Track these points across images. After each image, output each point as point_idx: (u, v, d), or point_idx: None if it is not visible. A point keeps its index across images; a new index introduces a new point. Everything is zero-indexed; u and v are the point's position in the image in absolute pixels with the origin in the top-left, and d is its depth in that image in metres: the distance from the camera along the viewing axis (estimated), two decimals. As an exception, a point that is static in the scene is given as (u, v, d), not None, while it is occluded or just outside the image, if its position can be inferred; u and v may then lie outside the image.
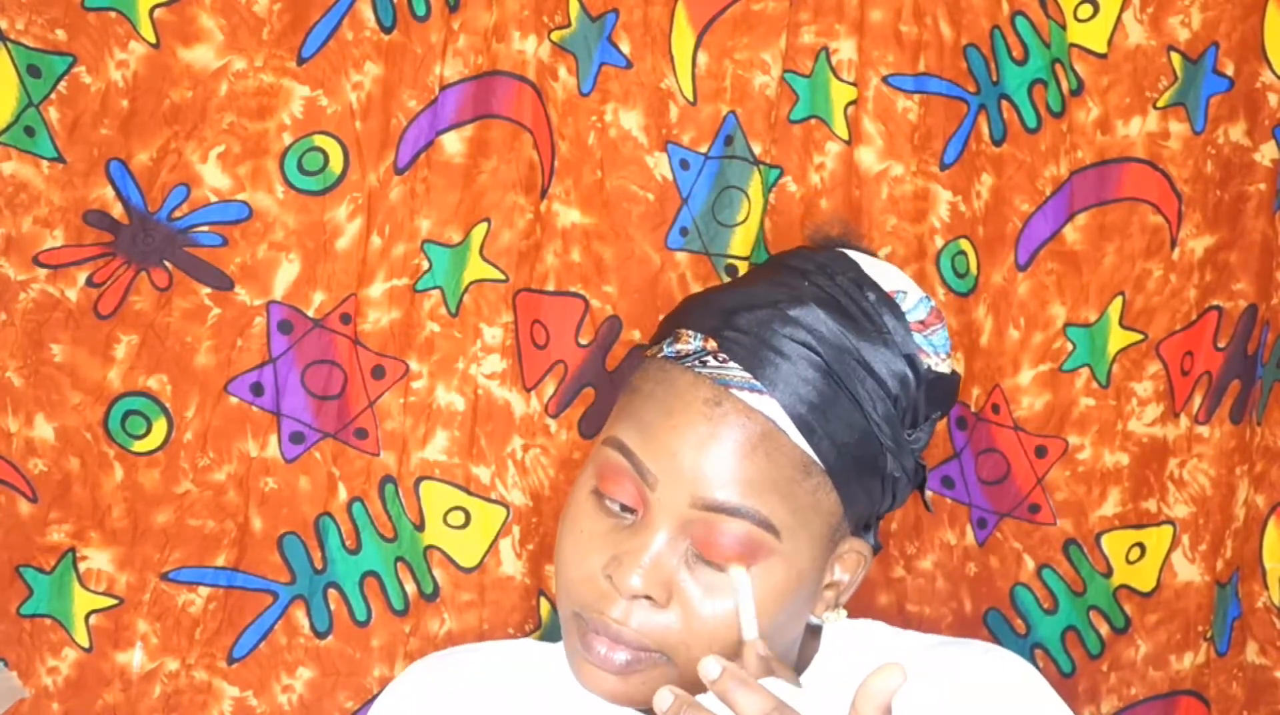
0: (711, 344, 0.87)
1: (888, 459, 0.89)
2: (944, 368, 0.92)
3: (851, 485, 0.88)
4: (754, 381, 0.85)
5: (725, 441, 0.84)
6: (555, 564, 0.91)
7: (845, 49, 1.25)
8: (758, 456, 0.84)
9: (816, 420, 0.85)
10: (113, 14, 1.17)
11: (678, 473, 0.84)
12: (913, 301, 0.91)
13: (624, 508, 0.87)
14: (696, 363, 0.87)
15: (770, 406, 0.85)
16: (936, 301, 1.26)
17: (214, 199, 1.21)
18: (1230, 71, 1.28)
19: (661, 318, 0.96)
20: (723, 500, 0.84)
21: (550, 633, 1.27)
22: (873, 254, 0.98)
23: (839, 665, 0.96)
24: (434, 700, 1.00)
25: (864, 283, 0.90)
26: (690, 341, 0.88)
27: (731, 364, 0.86)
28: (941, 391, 0.93)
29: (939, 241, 1.27)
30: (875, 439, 0.88)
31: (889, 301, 0.90)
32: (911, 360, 0.89)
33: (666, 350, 0.89)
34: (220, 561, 1.23)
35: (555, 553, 0.91)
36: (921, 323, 0.91)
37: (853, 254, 0.94)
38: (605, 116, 1.25)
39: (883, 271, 0.93)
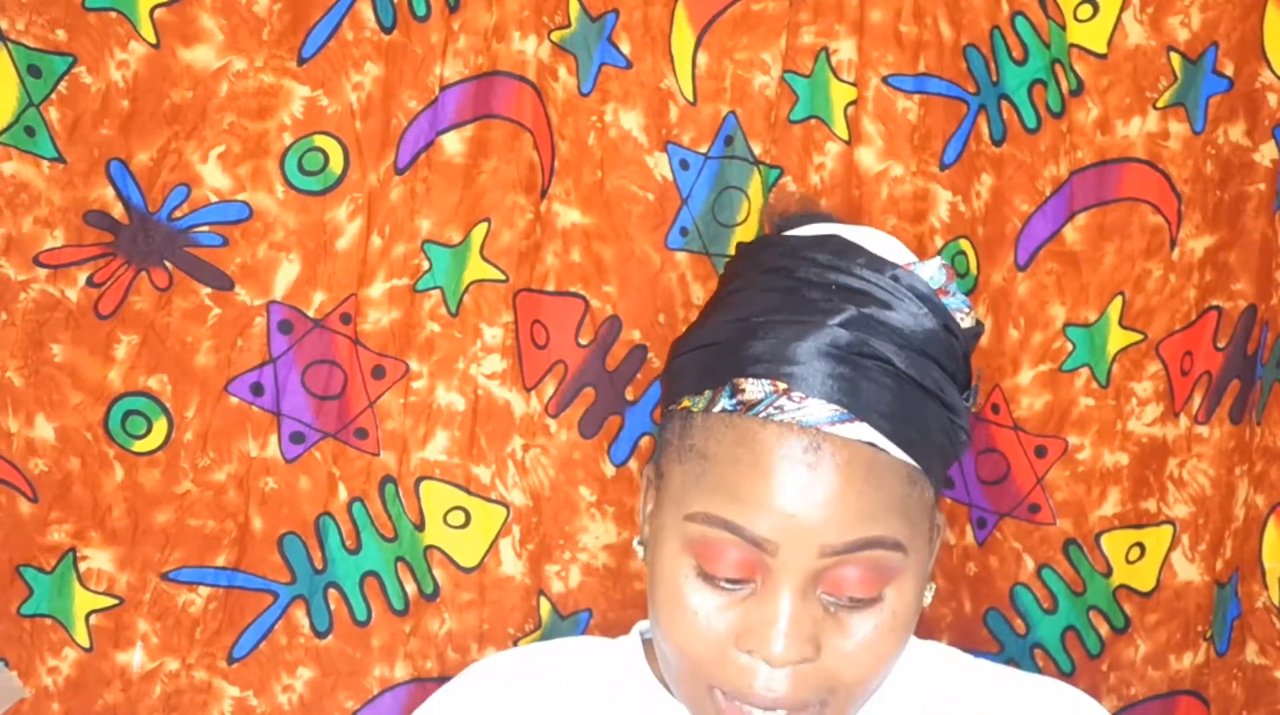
0: (781, 386, 0.81)
1: (955, 428, 0.86)
2: (970, 322, 0.89)
3: (938, 469, 0.85)
4: (840, 412, 0.80)
5: (836, 485, 0.79)
6: (668, 648, 0.85)
7: (845, 49, 1.25)
8: (870, 486, 0.80)
9: (908, 429, 0.81)
10: (113, 14, 1.18)
11: (800, 533, 0.79)
12: (930, 270, 0.86)
13: (732, 580, 0.82)
14: (773, 411, 0.80)
15: (864, 431, 0.80)
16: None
17: (214, 199, 1.21)
18: (1230, 72, 1.28)
19: (673, 362, 0.89)
20: (850, 541, 0.80)
21: (550, 633, 1.27)
22: (837, 219, 0.94)
23: (915, 686, 0.93)
24: (498, 697, 0.98)
25: (881, 264, 0.85)
26: (754, 388, 0.82)
27: (810, 401, 0.80)
28: (974, 346, 0.90)
29: (939, 241, 1.27)
30: (946, 417, 0.84)
31: (911, 275, 0.85)
32: (950, 329, 0.85)
33: (727, 404, 0.83)
34: (220, 561, 1.23)
35: (663, 637, 0.85)
36: (942, 288, 0.87)
37: (842, 232, 0.89)
38: (605, 116, 1.25)
39: (883, 245, 0.89)
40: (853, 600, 0.82)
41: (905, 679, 0.94)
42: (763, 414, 0.81)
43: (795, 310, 0.83)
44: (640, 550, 0.92)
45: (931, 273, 0.86)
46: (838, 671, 0.82)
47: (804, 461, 0.79)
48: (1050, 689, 0.96)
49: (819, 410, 0.80)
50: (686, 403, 0.86)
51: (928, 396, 0.83)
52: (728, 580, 0.82)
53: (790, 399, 0.81)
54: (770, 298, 0.85)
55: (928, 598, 0.90)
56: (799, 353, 0.81)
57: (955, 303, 0.87)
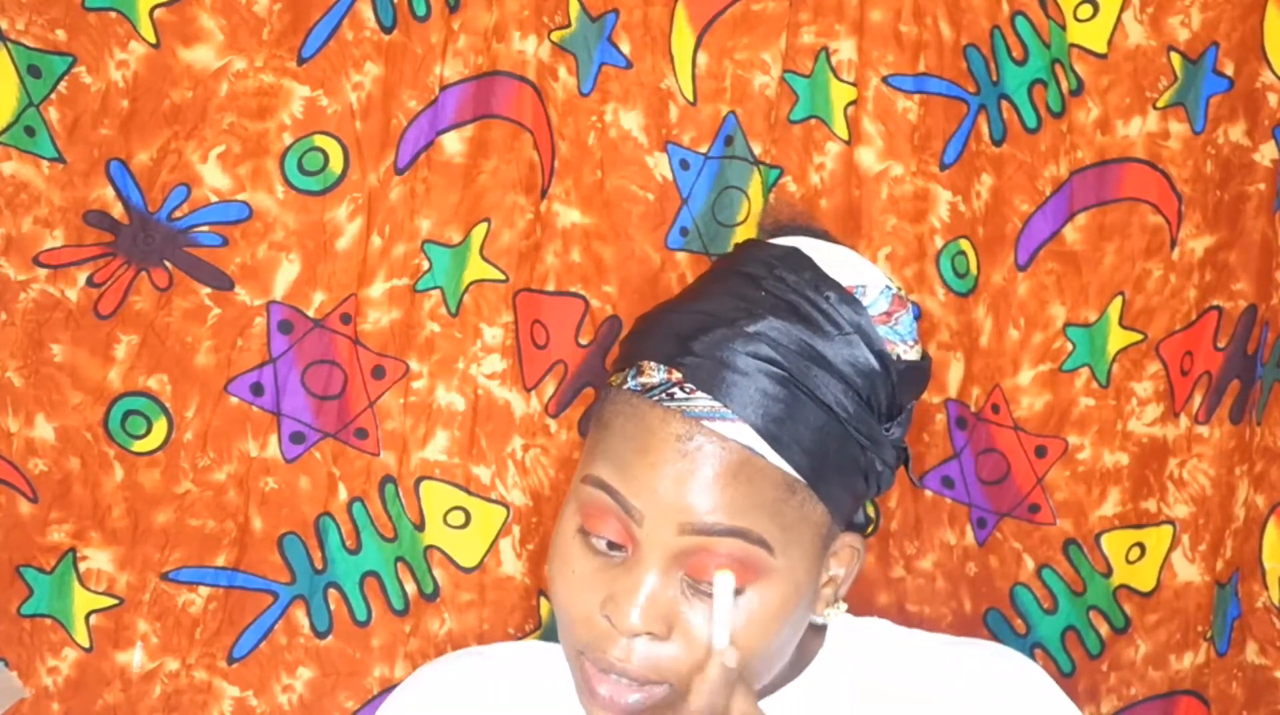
0: (676, 375, 0.85)
1: (867, 456, 0.89)
2: (913, 355, 0.91)
3: (835, 490, 0.87)
4: (723, 410, 0.84)
5: (704, 474, 0.84)
6: (553, 605, 0.90)
7: (845, 49, 1.25)
8: (740, 483, 0.84)
9: (790, 437, 0.85)
10: (113, 14, 1.17)
11: (662, 508, 0.84)
12: (874, 294, 0.89)
13: (611, 545, 0.86)
14: (664, 396, 0.85)
15: (743, 432, 0.84)
16: (935, 300, 1.27)
17: (214, 199, 1.21)
18: (1230, 71, 1.28)
19: (624, 337, 0.94)
20: (711, 523, 0.83)
21: (550, 633, 1.27)
22: (830, 238, 0.96)
23: (842, 663, 0.95)
24: (443, 704, 0.99)
25: (821, 282, 0.88)
26: (653, 373, 0.87)
27: (699, 394, 0.85)
28: (914, 378, 0.92)
29: (939, 241, 1.27)
30: (852, 441, 0.87)
31: (849, 298, 0.88)
32: (880, 355, 0.88)
33: (631, 383, 0.88)
34: (220, 561, 1.23)
35: (551, 593, 0.90)
36: (886, 314, 0.89)
37: (807, 247, 0.92)
38: (605, 116, 1.25)
39: (840, 264, 0.91)
40: (710, 591, 0.85)
41: (838, 657, 0.95)
42: (655, 398, 0.85)
43: (726, 312, 0.87)
44: None
45: (873, 299, 0.89)
46: (685, 658, 0.85)
47: (677, 448, 0.84)
48: (985, 651, 0.97)
49: (701, 404, 0.85)
50: (613, 378, 0.91)
51: (832, 419, 0.86)
52: (606, 544, 0.86)
53: (682, 389, 0.85)
54: (717, 297, 0.89)
55: (829, 614, 0.92)
56: (701, 346, 0.86)
57: (898, 333, 0.90)
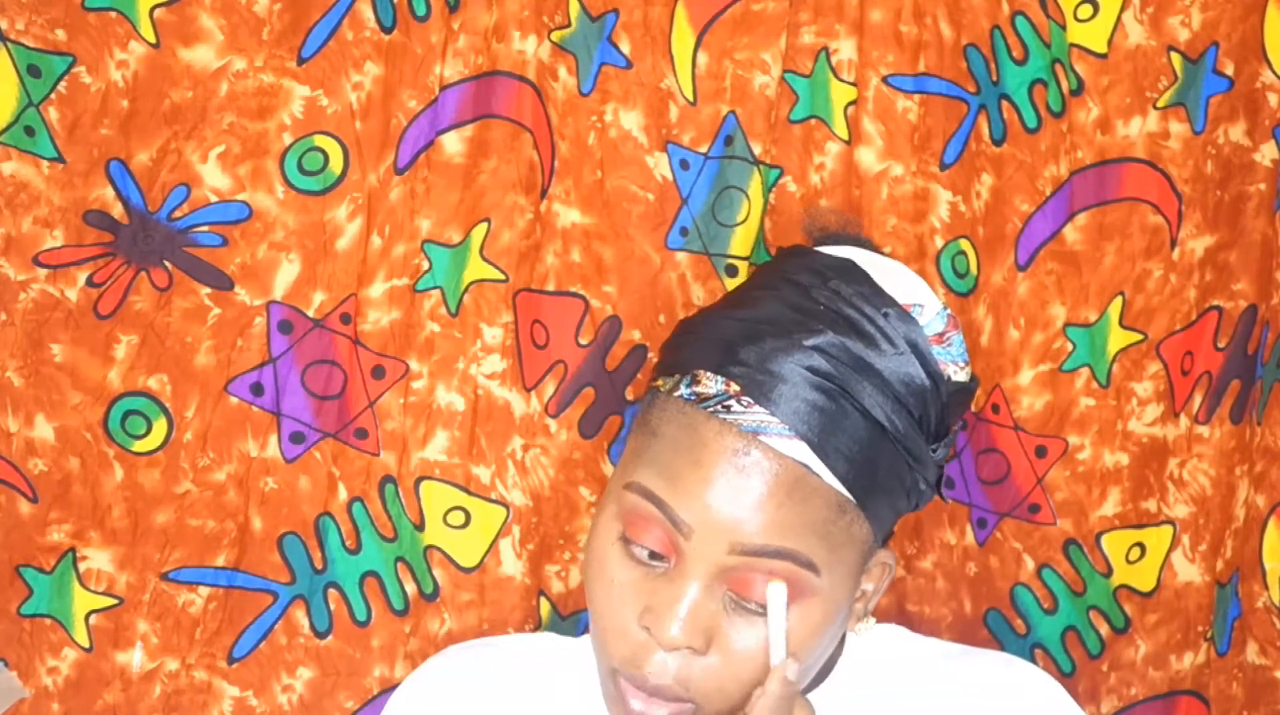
0: (733, 387, 0.83)
1: (912, 475, 0.87)
2: (963, 377, 0.89)
3: (881, 509, 0.86)
4: (780, 425, 0.82)
5: (758, 491, 0.82)
6: (590, 615, 0.87)
7: (845, 49, 1.25)
8: (793, 502, 0.82)
9: (844, 455, 0.83)
10: (113, 14, 1.17)
11: (713, 524, 0.82)
12: (930, 314, 0.88)
13: (653, 555, 0.84)
14: (719, 407, 0.83)
15: (799, 449, 0.82)
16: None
17: (214, 199, 1.21)
18: (1230, 71, 1.28)
19: (670, 339, 0.92)
20: (761, 544, 0.82)
21: (554, 629, 1.26)
22: (878, 250, 0.96)
23: (862, 672, 0.95)
24: (452, 695, 0.99)
25: (878, 298, 0.86)
26: (710, 384, 0.84)
27: (756, 407, 0.82)
28: (962, 399, 0.90)
29: (939, 241, 1.27)
30: (901, 459, 0.86)
31: (906, 316, 0.86)
32: (934, 375, 0.86)
33: (684, 392, 0.85)
34: (220, 561, 1.23)
35: (588, 603, 0.87)
36: (940, 335, 0.88)
37: (862, 259, 0.90)
38: (605, 116, 1.25)
39: (896, 280, 0.90)
40: (759, 606, 0.83)
41: (858, 666, 0.95)
42: (710, 409, 0.83)
43: (782, 322, 0.85)
44: None
45: (929, 319, 0.88)
46: (720, 674, 0.84)
47: (734, 462, 0.82)
48: (999, 662, 0.97)
49: (758, 418, 0.83)
50: (660, 382, 0.89)
51: (883, 437, 0.84)
52: (648, 553, 0.84)
53: (739, 402, 0.83)
54: (769, 305, 0.87)
55: (859, 628, 0.92)
56: (759, 359, 0.84)
57: (950, 354, 0.89)
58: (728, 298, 0.94)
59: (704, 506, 0.82)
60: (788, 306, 0.86)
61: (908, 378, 0.85)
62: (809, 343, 0.83)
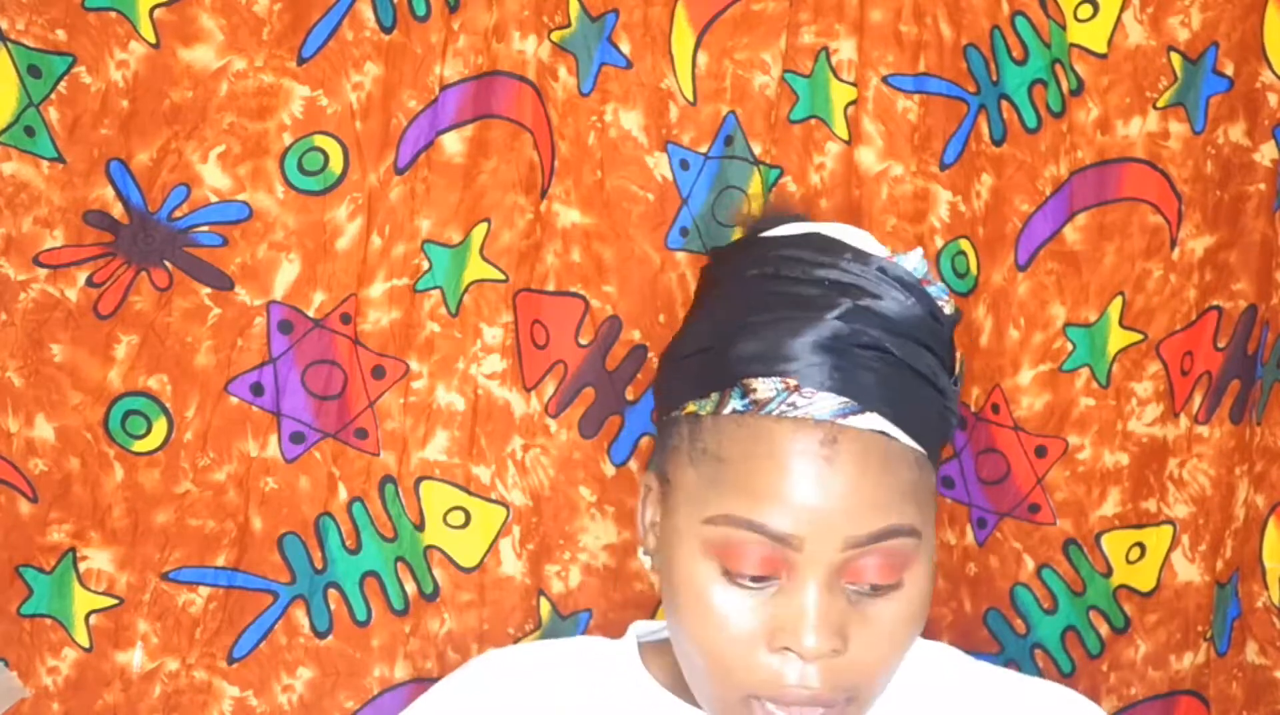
0: (790, 382, 0.82)
1: (947, 411, 0.88)
2: (950, 309, 0.90)
3: (938, 453, 0.87)
4: (850, 403, 0.81)
5: (853, 477, 0.81)
6: (696, 654, 0.85)
7: (845, 49, 1.25)
8: (885, 476, 0.81)
9: (912, 415, 0.83)
10: (113, 14, 1.17)
11: (822, 527, 0.80)
12: (913, 261, 0.88)
13: (756, 578, 0.82)
14: (785, 407, 0.81)
15: (874, 421, 0.81)
16: None
17: (214, 199, 1.21)
18: (1230, 71, 1.28)
19: (671, 367, 0.90)
20: (871, 531, 0.81)
21: (550, 633, 1.27)
22: (813, 219, 0.95)
23: (917, 693, 0.94)
24: (493, 694, 0.98)
25: (867, 258, 0.86)
26: (764, 388, 0.82)
27: (819, 395, 0.81)
28: (955, 331, 0.91)
29: (939, 241, 1.27)
30: (940, 401, 0.86)
31: (898, 267, 0.86)
32: (935, 316, 0.87)
33: (738, 405, 0.83)
34: (220, 561, 1.23)
35: (690, 642, 0.85)
36: (926, 278, 0.88)
37: (822, 229, 0.90)
38: (605, 116, 1.25)
39: (857, 238, 0.90)
40: (874, 588, 0.83)
41: (909, 678, 0.94)
42: (775, 411, 0.82)
43: (790, 307, 0.84)
44: (648, 560, 0.92)
45: (914, 263, 0.88)
46: (863, 662, 0.83)
47: (820, 455, 0.81)
48: (1054, 693, 0.96)
49: (829, 403, 0.81)
50: (692, 407, 0.86)
51: (922, 381, 0.84)
52: (752, 578, 0.82)
53: (801, 395, 0.82)
54: (761, 298, 0.86)
55: None
56: (801, 348, 0.82)
57: (936, 291, 0.89)
58: (696, 313, 0.92)
59: (808, 513, 0.80)
60: (775, 292, 0.85)
61: (920, 322, 0.85)
62: (834, 316, 0.83)
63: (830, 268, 0.85)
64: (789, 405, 0.82)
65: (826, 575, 0.81)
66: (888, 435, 0.82)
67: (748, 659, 0.83)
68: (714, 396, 0.85)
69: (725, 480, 0.83)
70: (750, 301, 0.87)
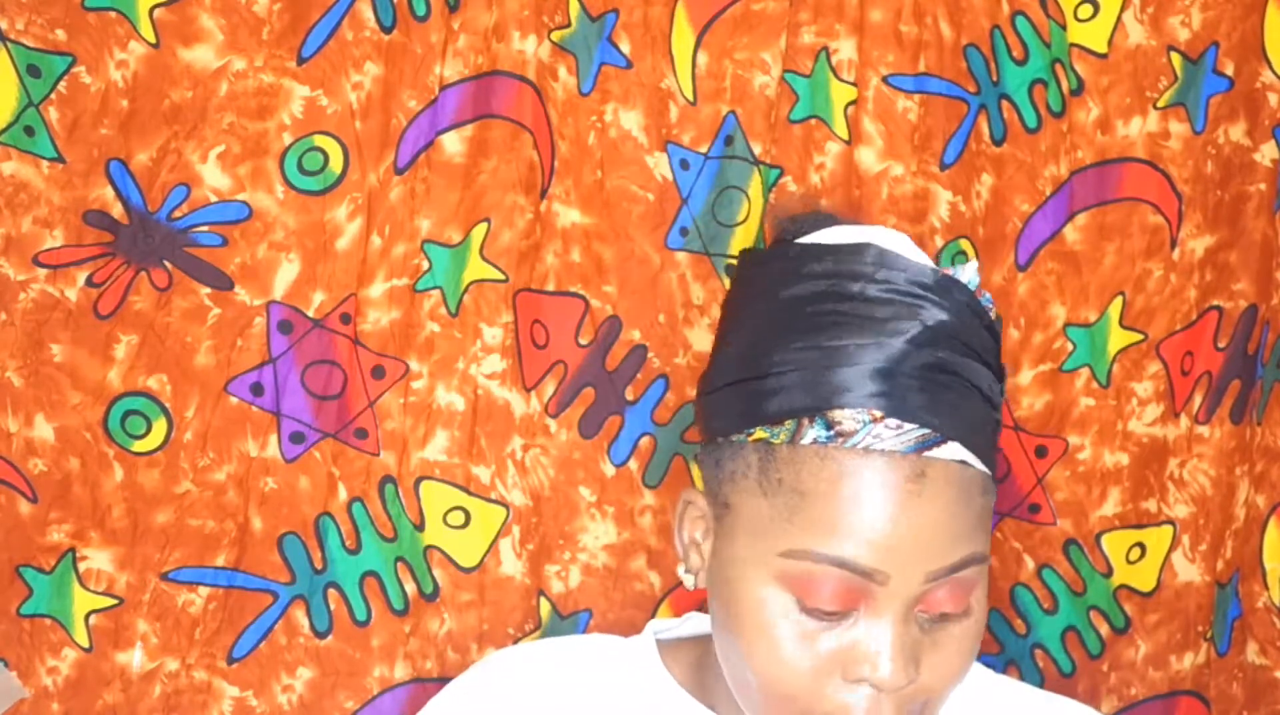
0: (877, 413, 0.79)
1: (999, 423, 0.86)
2: (995, 315, 0.87)
3: (995, 470, 0.86)
4: (933, 434, 0.80)
5: (940, 511, 0.79)
6: (756, 682, 0.84)
7: (845, 49, 1.25)
8: (963, 505, 0.81)
9: (982, 439, 0.82)
10: (113, 14, 1.17)
11: (906, 562, 0.79)
12: (969, 273, 0.85)
13: (834, 612, 0.81)
14: (871, 440, 0.79)
15: (955, 450, 0.80)
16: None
17: (214, 199, 1.21)
18: (1230, 71, 1.28)
19: (726, 387, 0.86)
20: (952, 563, 0.80)
21: (550, 633, 1.27)
22: (847, 220, 0.93)
23: (948, 708, 0.94)
24: (505, 694, 0.97)
25: (928, 273, 0.83)
26: (849, 420, 0.80)
27: (905, 426, 0.80)
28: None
29: (939, 241, 1.27)
30: (996, 417, 0.85)
31: (955, 281, 0.83)
32: (991, 329, 0.84)
33: (820, 436, 0.81)
34: (220, 561, 1.23)
35: (752, 671, 0.84)
36: (978, 289, 0.86)
37: (864, 236, 0.86)
38: (605, 116, 1.25)
39: (908, 248, 0.86)
40: (944, 615, 0.82)
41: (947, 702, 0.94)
42: (861, 444, 0.80)
43: (864, 330, 0.81)
44: (690, 579, 0.91)
45: (970, 276, 0.85)
46: (931, 687, 0.83)
47: (907, 489, 0.79)
48: (1068, 710, 0.96)
49: (914, 435, 0.80)
50: (761, 434, 0.84)
51: (986, 402, 0.83)
52: (830, 612, 0.81)
53: (886, 426, 0.80)
54: (830, 317, 0.83)
55: None
56: (886, 377, 0.80)
57: (988, 300, 0.87)
58: (739, 326, 0.89)
59: (894, 549, 0.79)
60: (847, 311, 0.83)
61: (980, 338, 0.83)
62: (906, 340, 0.80)
63: (895, 285, 0.83)
64: (875, 437, 0.80)
65: (905, 606, 0.81)
66: (966, 463, 0.81)
67: (816, 689, 0.82)
68: (789, 424, 0.82)
69: (806, 514, 0.81)
70: (815, 321, 0.84)
